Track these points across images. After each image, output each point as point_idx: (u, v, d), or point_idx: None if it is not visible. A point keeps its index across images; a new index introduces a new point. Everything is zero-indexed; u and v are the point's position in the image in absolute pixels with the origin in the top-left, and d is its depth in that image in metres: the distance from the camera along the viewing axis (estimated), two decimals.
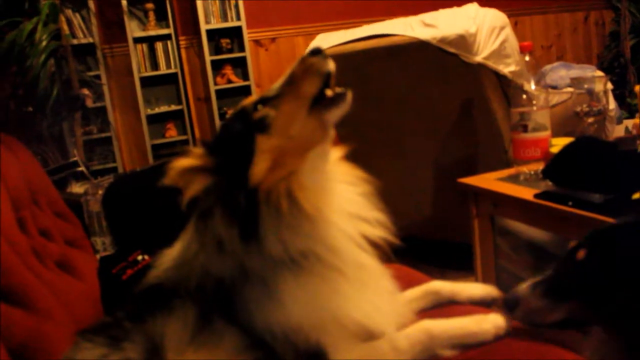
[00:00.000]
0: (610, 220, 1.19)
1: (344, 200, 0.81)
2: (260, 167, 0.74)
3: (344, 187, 0.83)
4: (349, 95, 0.78)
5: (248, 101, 0.81)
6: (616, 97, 2.90)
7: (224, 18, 4.05)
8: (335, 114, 0.78)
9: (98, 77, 3.76)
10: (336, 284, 0.76)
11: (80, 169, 2.42)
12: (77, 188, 2.32)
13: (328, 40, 2.43)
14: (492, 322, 0.85)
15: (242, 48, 4.09)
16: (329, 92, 0.78)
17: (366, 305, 0.78)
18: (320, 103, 0.78)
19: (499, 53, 2.01)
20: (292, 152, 0.76)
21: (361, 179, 0.84)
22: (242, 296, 0.75)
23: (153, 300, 0.79)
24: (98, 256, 1.38)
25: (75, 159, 2.52)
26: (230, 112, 4.14)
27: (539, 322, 0.83)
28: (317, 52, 0.78)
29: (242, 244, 0.74)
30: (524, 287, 0.84)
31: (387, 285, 0.85)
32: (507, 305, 0.85)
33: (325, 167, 0.81)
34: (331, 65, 0.78)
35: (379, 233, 0.82)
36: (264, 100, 0.79)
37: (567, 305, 0.80)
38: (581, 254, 0.79)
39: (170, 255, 0.84)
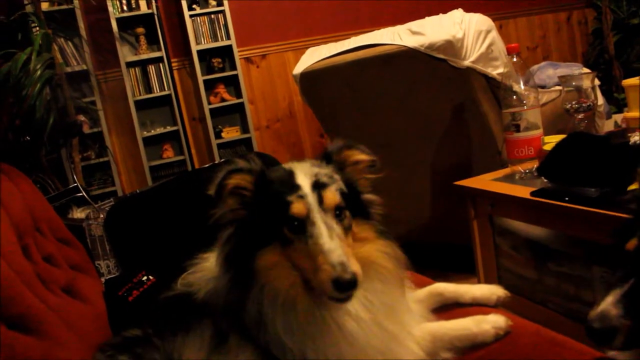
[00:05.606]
0: (607, 213, 1.21)
1: None
2: (267, 259, 0.76)
3: None
4: None
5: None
6: (603, 93, 2.92)
7: (214, 38, 4.10)
8: None
9: (93, 102, 3.79)
10: None
11: (80, 194, 2.43)
12: (78, 213, 2.33)
13: (318, 53, 2.45)
14: (491, 323, 0.86)
15: (233, 66, 4.13)
16: None
17: None
18: None
19: (487, 56, 2.04)
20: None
21: None
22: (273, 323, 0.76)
23: (172, 318, 0.81)
24: (103, 279, 1.38)
25: (75, 184, 2.53)
26: (226, 129, 4.17)
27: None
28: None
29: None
30: (609, 303, 0.63)
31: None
32: (601, 337, 0.64)
33: None
34: None
35: None
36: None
37: None
38: None
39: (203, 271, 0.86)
